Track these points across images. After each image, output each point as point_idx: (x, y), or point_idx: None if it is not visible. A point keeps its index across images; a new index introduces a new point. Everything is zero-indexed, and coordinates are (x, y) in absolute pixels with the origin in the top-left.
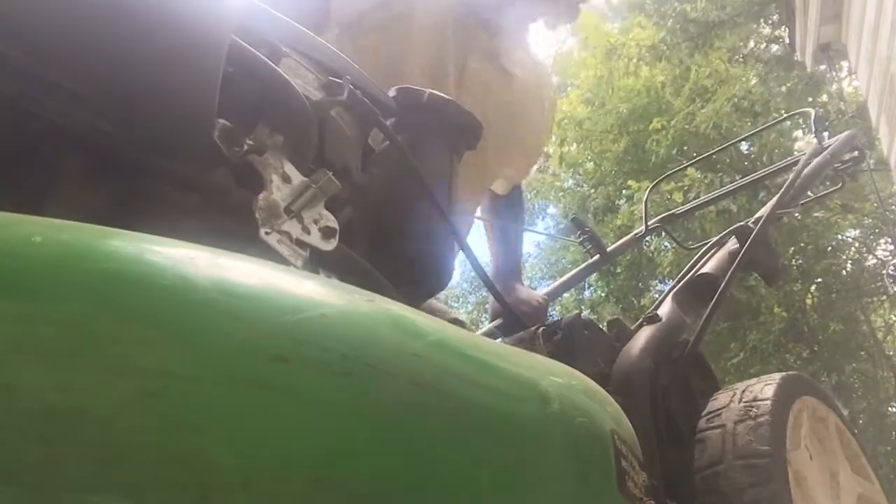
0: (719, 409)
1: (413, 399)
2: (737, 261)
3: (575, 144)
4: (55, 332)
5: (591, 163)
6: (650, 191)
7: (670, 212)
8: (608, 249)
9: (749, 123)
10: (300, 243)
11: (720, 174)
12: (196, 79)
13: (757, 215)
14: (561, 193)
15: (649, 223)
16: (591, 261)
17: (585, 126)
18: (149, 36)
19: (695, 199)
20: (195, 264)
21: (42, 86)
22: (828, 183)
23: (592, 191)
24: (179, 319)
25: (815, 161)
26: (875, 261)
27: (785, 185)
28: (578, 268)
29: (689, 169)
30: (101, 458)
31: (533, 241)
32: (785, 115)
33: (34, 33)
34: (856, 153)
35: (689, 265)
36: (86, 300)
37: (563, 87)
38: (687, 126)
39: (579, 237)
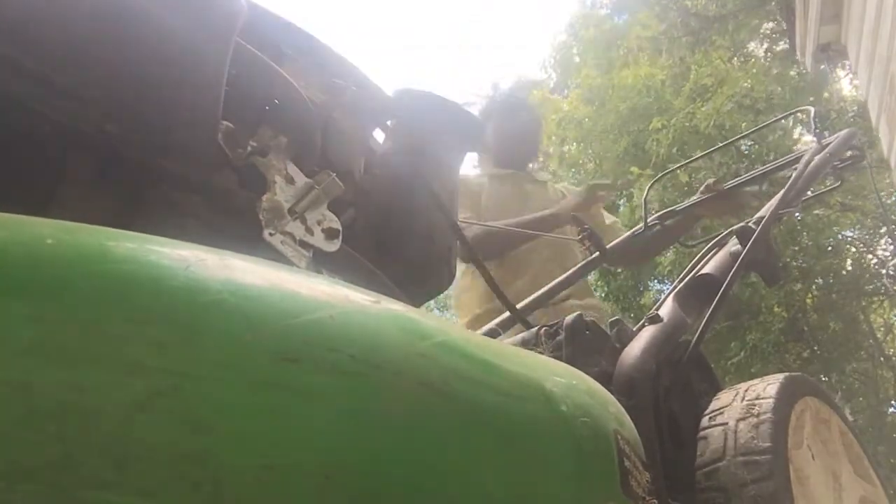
0: (722, 408)
1: (420, 399)
2: (738, 262)
3: (575, 144)
4: (69, 333)
5: (592, 163)
6: (650, 188)
7: (670, 209)
8: (607, 247)
9: (752, 120)
10: (304, 244)
11: (734, 164)
12: (200, 81)
13: (758, 215)
14: None
15: (649, 220)
16: (590, 258)
17: (585, 126)
18: (153, 38)
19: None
20: (205, 266)
21: (47, 88)
22: (828, 182)
23: None
24: (190, 320)
25: (816, 159)
26: (875, 260)
27: (787, 185)
28: (578, 265)
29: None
30: (115, 457)
31: None
32: (785, 114)
33: (39, 36)
34: (856, 152)
35: (690, 265)
36: (98, 301)
37: (563, 86)
38: (687, 125)
39: (578, 234)
